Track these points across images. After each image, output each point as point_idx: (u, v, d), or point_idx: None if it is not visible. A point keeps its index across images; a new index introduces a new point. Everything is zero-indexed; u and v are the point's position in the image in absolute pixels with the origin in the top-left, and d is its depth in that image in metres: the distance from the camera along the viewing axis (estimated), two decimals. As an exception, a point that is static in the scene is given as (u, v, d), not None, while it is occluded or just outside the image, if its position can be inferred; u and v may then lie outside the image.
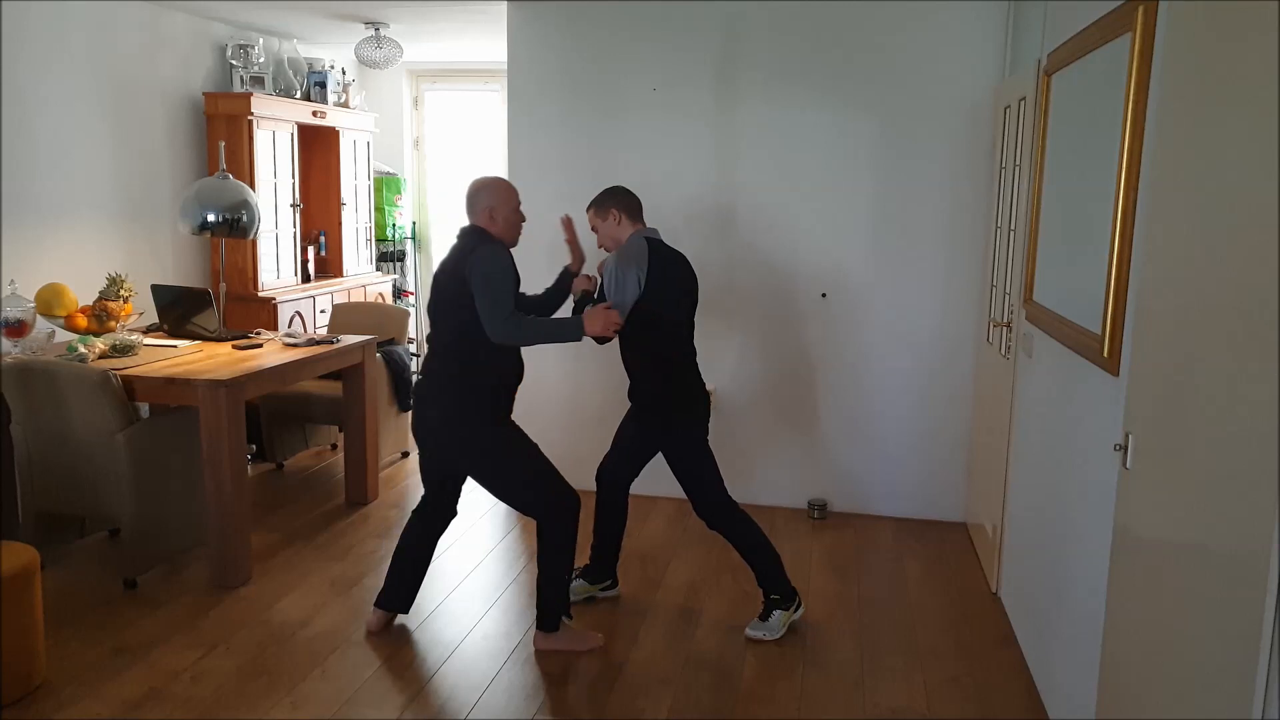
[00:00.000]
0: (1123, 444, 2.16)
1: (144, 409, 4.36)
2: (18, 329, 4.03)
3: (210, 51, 5.80)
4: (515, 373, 3.28)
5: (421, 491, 3.49)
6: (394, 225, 7.13)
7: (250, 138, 5.54)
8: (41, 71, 4.61)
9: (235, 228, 4.53)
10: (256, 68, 5.86)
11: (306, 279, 6.21)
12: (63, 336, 4.32)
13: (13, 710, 2.90)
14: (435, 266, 7.41)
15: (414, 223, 7.42)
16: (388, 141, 7.23)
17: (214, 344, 4.43)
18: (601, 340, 3.24)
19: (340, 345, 4.51)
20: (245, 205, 4.56)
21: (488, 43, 6.13)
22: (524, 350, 3.29)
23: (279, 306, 5.71)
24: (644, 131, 4.74)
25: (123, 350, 4.06)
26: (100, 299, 4.39)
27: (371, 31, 5.86)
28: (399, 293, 7.13)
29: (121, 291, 4.44)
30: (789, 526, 4.61)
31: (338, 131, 6.32)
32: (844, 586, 3.96)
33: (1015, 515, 3.59)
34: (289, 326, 5.75)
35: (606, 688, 3.13)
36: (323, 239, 6.48)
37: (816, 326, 4.71)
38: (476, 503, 4.68)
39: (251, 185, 5.34)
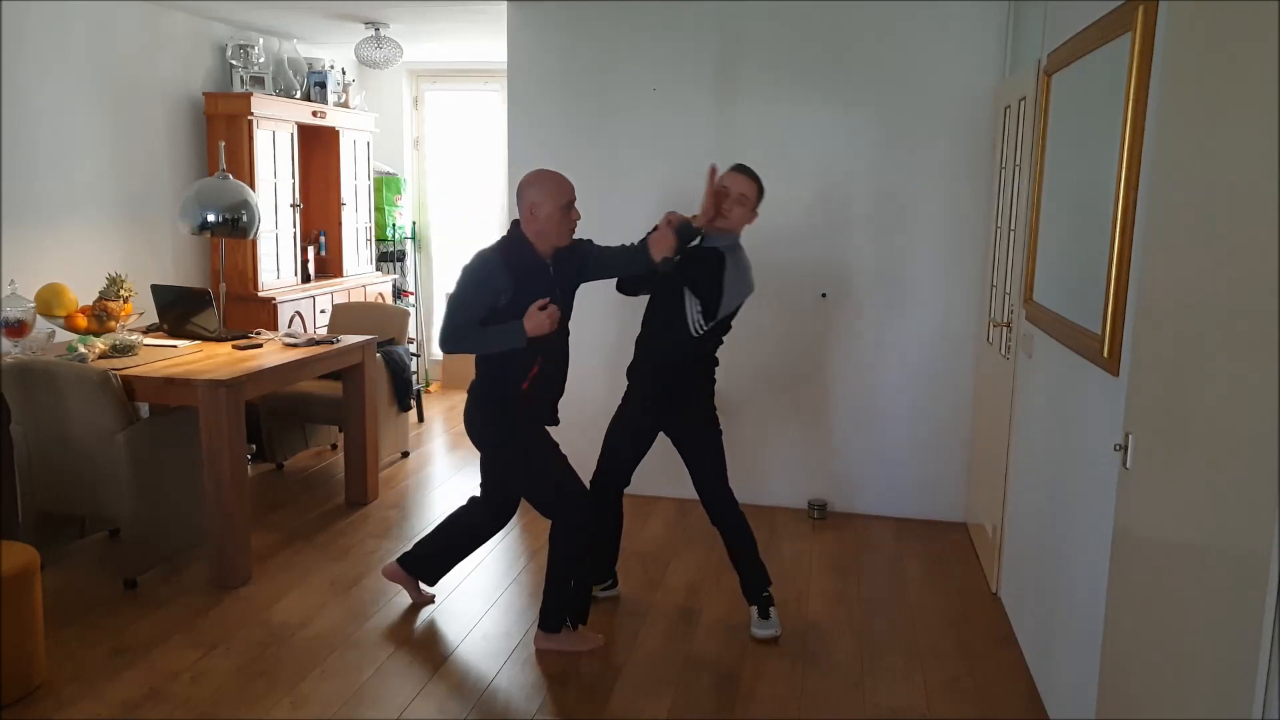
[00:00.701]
0: (1123, 444, 2.16)
1: (144, 409, 4.37)
2: (18, 329, 4.03)
3: (210, 51, 5.80)
4: (532, 375, 3.15)
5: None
6: (394, 225, 7.13)
7: (250, 138, 5.54)
8: (41, 71, 4.61)
9: (235, 228, 4.54)
10: (256, 68, 5.86)
11: (306, 279, 6.21)
12: (63, 336, 4.33)
13: (13, 710, 2.90)
14: (435, 266, 7.47)
15: (414, 223, 7.42)
16: (388, 141, 7.23)
17: (214, 344, 4.43)
18: (536, 342, 3.11)
19: (340, 345, 4.51)
20: (245, 205, 4.56)
21: (488, 43, 6.13)
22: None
23: (279, 306, 5.71)
24: (644, 131, 4.74)
25: (123, 350, 4.06)
26: (100, 299, 4.39)
27: (371, 31, 5.86)
28: (399, 293, 7.13)
29: (121, 291, 4.44)
30: (789, 526, 4.61)
31: (338, 131, 6.32)
32: (844, 586, 3.96)
33: (1015, 515, 3.59)
34: (289, 326, 5.75)
35: (606, 688, 3.13)
36: (323, 239, 6.48)
37: (817, 326, 4.71)
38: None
39: (251, 185, 5.33)
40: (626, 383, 3.59)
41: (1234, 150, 1.72)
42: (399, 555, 3.69)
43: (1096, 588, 2.43)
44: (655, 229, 3.22)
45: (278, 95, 5.97)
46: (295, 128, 5.97)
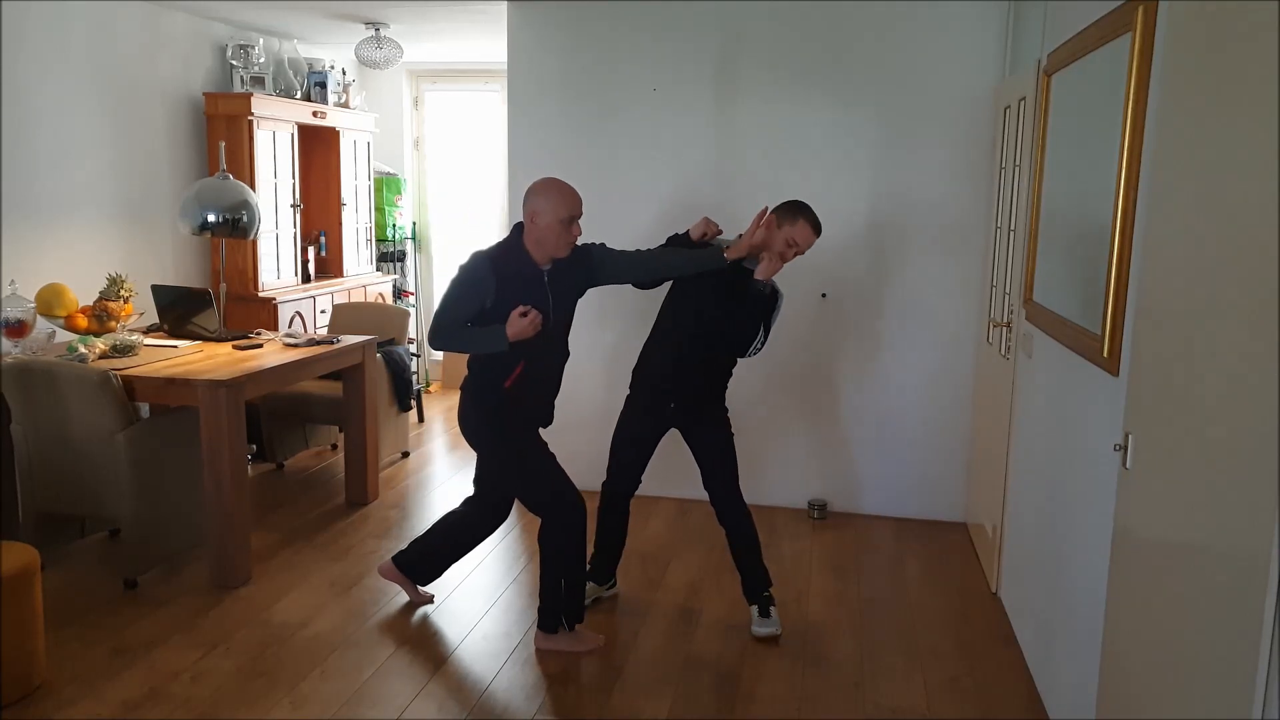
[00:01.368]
0: (1123, 444, 2.16)
1: (144, 409, 4.37)
2: (18, 329, 4.03)
3: (210, 51, 5.80)
4: (515, 375, 3.17)
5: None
6: (394, 225, 7.13)
7: (250, 138, 5.54)
8: (41, 71, 4.61)
9: (235, 228, 4.53)
10: (256, 68, 5.86)
11: (307, 279, 6.21)
12: (63, 337, 4.32)
13: (13, 710, 2.90)
14: (435, 266, 7.46)
15: (414, 223, 7.42)
16: (388, 141, 7.23)
17: (214, 344, 4.43)
18: (520, 345, 3.11)
19: (340, 345, 4.51)
20: (245, 205, 4.56)
21: (488, 43, 6.13)
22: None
23: (279, 307, 5.71)
24: (644, 131, 4.74)
25: (123, 350, 4.06)
26: (100, 299, 4.39)
27: (371, 32, 5.86)
28: (399, 293, 7.13)
29: (122, 292, 4.44)
30: (789, 526, 4.61)
31: (338, 131, 6.32)
32: (844, 586, 3.95)
33: (1015, 515, 3.59)
34: (289, 327, 5.75)
35: (606, 688, 3.13)
36: (323, 239, 6.48)
37: (817, 327, 4.71)
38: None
39: (251, 185, 5.33)
40: (625, 385, 3.59)
41: (1234, 150, 1.72)
42: (394, 554, 3.69)
43: (1096, 588, 2.43)
44: (707, 238, 3.38)
45: (278, 95, 5.97)
46: (295, 128, 5.97)
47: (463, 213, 7.51)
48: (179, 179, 5.51)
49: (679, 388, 3.48)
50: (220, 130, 5.49)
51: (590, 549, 3.62)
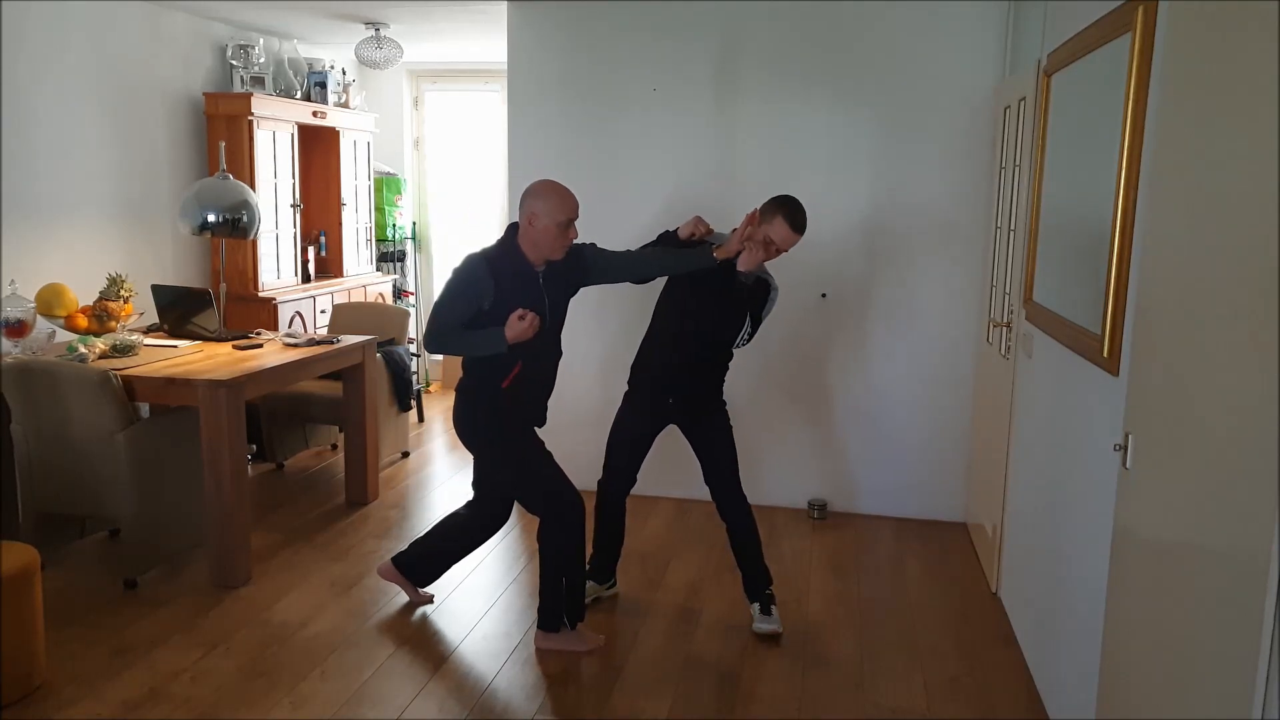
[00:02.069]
0: (1123, 444, 2.16)
1: (144, 409, 4.36)
2: (18, 329, 4.03)
3: (210, 51, 5.79)
4: (513, 375, 3.18)
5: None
6: (394, 225, 7.13)
7: (250, 138, 5.54)
8: (41, 71, 4.61)
9: (235, 228, 4.53)
10: (256, 68, 5.86)
11: (307, 279, 6.21)
12: (63, 336, 4.32)
13: (13, 710, 2.90)
14: (435, 267, 7.46)
15: (414, 223, 7.42)
16: (388, 141, 7.23)
17: (214, 344, 4.43)
18: (518, 346, 3.12)
19: (340, 345, 4.51)
20: (245, 205, 4.56)
21: (488, 43, 6.13)
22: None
23: (279, 307, 5.71)
24: (644, 131, 4.74)
25: (123, 350, 4.06)
26: (100, 299, 4.39)
27: (371, 32, 5.86)
28: (399, 293, 7.13)
29: (122, 291, 4.44)
30: (789, 526, 4.61)
31: (338, 132, 6.32)
32: (844, 586, 3.95)
33: (1015, 515, 3.59)
34: (289, 327, 5.75)
35: (606, 688, 3.14)
36: (323, 239, 6.48)
37: (816, 326, 4.71)
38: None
39: (251, 185, 5.33)
40: (621, 384, 3.60)
41: (1234, 150, 1.72)
42: (394, 555, 3.69)
43: (1096, 588, 2.43)
44: (695, 237, 3.33)
45: (278, 95, 5.97)
46: (295, 128, 5.97)
47: (463, 213, 7.50)
48: (179, 179, 5.51)
49: (678, 383, 3.49)
50: (220, 130, 5.49)
51: (589, 548, 3.62)
